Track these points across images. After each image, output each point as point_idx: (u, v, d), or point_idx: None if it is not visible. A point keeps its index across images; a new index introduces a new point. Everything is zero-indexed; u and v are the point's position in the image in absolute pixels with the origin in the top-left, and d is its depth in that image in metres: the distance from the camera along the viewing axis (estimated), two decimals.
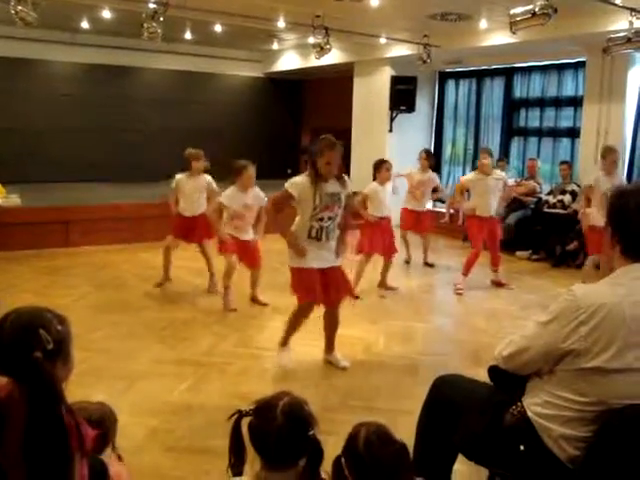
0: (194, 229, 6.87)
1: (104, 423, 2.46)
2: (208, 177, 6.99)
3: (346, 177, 4.75)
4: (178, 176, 6.95)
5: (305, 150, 15.16)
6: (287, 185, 4.59)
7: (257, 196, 6.34)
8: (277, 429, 1.88)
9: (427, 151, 9.00)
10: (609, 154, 6.93)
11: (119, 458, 2.45)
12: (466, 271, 7.43)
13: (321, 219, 4.57)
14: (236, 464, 1.98)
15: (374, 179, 7.18)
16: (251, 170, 6.25)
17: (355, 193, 6.94)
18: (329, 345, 5.05)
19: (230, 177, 6.35)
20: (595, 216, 6.60)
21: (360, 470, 1.93)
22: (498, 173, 7.61)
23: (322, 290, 4.69)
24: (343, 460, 1.96)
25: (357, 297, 6.51)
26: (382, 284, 7.38)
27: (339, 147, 4.60)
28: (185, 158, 6.86)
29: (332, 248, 4.71)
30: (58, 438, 1.77)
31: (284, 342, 4.91)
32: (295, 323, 4.85)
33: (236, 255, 6.28)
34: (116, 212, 9.39)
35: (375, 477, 1.92)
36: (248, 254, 6.38)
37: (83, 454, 1.86)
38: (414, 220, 8.63)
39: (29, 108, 12.05)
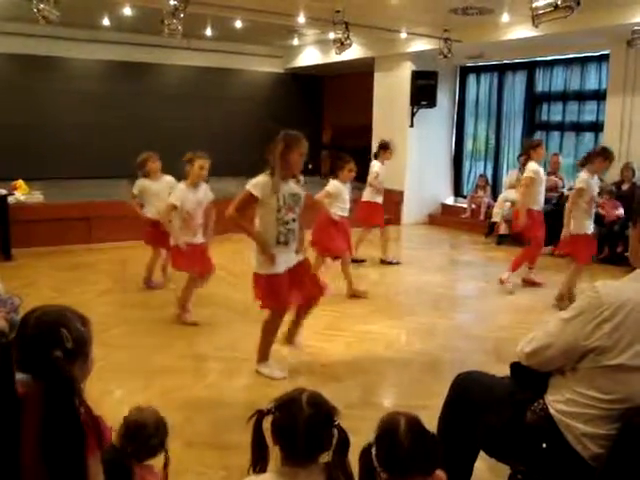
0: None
1: (158, 430, 2.48)
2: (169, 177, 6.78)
3: (300, 177, 4.49)
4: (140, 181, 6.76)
5: (327, 146, 15.16)
6: (249, 186, 4.29)
7: (207, 192, 5.85)
8: (305, 421, 1.88)
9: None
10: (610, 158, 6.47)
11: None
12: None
13: (286, 222, 4.34)
14: (258, 463, 1.97)
15: (335, 177, 6.84)
16: (202, 161, 5.69)
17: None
18: (293, 333, 4.87)
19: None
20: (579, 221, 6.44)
21: (395, 460, 1.91)
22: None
23: (296, 288, 4.47)
24: (374, 449, 1.95)
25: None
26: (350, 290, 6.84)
27: (306, 141, 4.37)
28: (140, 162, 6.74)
29: (293, 249, 4.47)
30: (74, 435, 1.78)
31: (264, 357, 4.59)
32: (272, 333, 4.56)
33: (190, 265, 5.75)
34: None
35: (408, 467, 1.90)
36: (200, 260, 5.81)
37: (101, 450, 1.87)
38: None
39: (51, 105, 12.15)
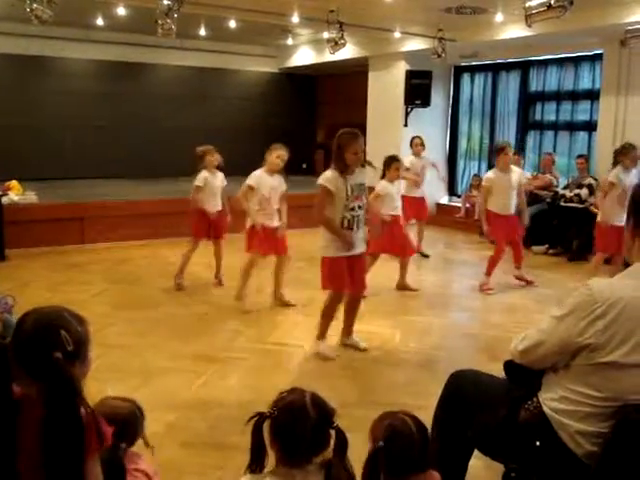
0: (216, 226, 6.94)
1: (130, 421, 2.48)
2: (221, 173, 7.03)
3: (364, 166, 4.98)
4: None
5: (321, 145, 15.15)
6: (322, 182, 4.74)
7: (282, 182, 6.31)
8: (312, 424, 1.89)
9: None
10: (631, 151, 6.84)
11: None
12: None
13: (352, 209, 4.75)
14: (255, 465, 1.97)
15: (383, 176, 7.01)
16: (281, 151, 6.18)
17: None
18: (348, 329, 5.26)
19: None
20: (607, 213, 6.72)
21: (407, 460, 1.94)
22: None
23: (349, 277, 4.89)
24: (382, 452, 1.96)
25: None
26: (401, 284, 7.19)
27: (361, 137, 4.81)
28: (199, 155, 6.84)
29: (360, 236, 4.90)
30: (75, 437, 1.77)
31: (322, 335, 5.05)
32: (331, 313, 5.01)
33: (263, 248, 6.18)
34: (133, 209, 9.39)
35: (415, 466, 1.93)
36: (274, 242, 6.24)
37: (101, 452, 1.86)
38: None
39: (44, 105, 12.12)
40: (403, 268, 7.15)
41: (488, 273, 7.24)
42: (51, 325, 1.84)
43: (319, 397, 1.98)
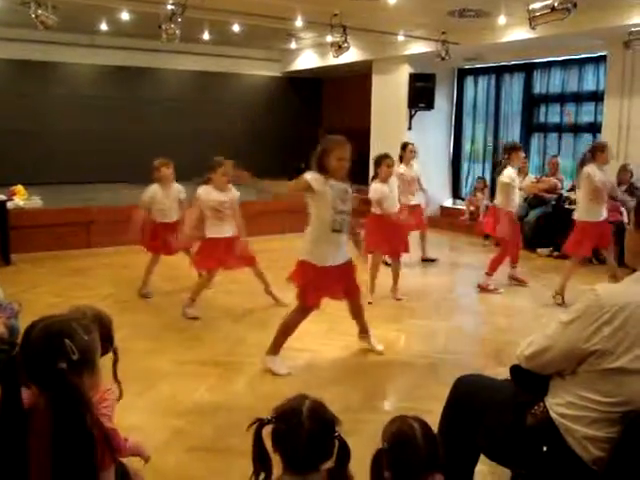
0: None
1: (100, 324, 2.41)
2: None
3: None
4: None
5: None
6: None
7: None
8: (306, 433, 1.87)
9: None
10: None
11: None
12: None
13: (341, 212, 4.58)
14: (260, 472, 1.96)
15: (374, 177, 6.81)
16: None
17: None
18: (361, 329, 5.19)
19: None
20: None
21: (411, 464, 1.95)
22: None
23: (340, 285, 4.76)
24: (386, 455, 1.96)
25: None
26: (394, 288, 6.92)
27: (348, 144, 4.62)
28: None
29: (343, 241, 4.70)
30: (84, 449, 1.76)
31: (276, 350, 4.76)
32: (292, 328, 4.75)
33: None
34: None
35: (420, 470, 1.93)
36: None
37: (116, 464, 1.86)
38: None
39: (49, 110, 12.17)
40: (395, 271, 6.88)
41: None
42: (56, 335, 1.84)
43: (320, 406, 1.95)
